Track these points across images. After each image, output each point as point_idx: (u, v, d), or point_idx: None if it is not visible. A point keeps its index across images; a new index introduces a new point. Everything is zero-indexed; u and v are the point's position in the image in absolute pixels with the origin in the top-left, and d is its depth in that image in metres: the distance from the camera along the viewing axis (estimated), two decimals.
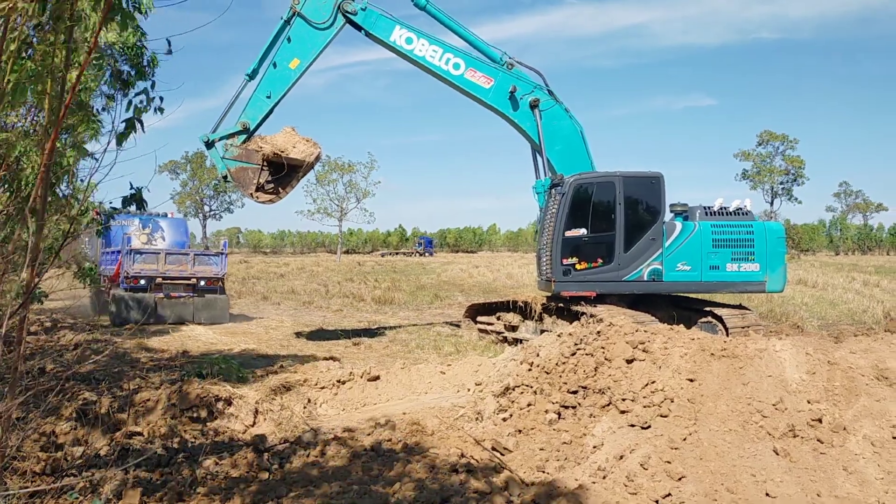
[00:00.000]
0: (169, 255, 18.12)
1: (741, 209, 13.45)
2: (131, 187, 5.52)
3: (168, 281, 17.94)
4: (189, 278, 18.18)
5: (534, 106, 13.73)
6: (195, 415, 7.05)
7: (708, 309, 13.32)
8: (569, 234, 12.93)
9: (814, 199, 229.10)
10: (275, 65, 13.54)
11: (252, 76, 13.63)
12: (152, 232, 20.29)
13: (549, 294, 13.90)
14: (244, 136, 13.54)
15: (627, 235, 12.89)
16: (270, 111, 13.74)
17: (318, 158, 13.75)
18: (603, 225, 12.98)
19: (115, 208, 6.52)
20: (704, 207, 13.45)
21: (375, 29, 13.73)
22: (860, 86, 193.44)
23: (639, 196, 13.10)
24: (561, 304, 13.50)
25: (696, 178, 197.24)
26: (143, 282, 17.62)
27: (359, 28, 13.78)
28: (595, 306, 12.57)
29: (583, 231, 12.95)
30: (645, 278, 12.91)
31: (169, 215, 22.49)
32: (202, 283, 18.31)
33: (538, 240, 14.41)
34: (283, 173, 13.59)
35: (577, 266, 12.92)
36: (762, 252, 13.02)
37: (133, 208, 5.48)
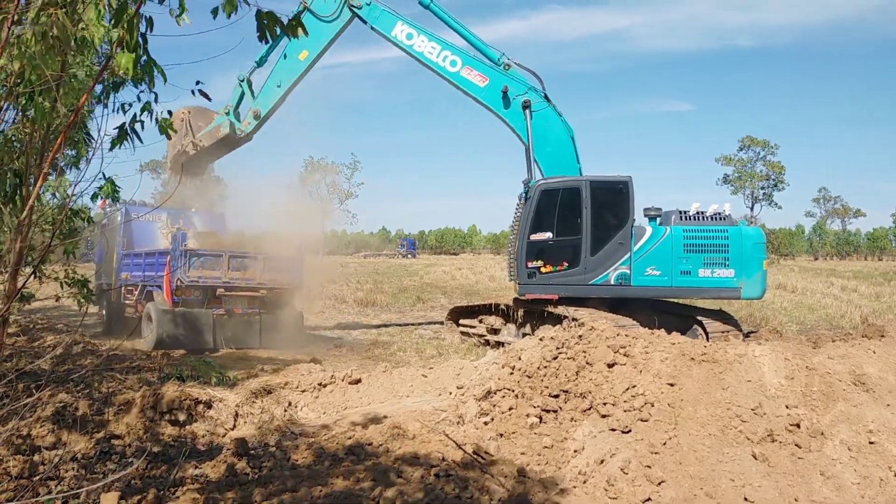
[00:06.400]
0: (233, 259, 13.95)
1: (719, 214, 13.18)
2: (104, 177, 5.47)
3: (231, 292, 13.87)
4: (257, 289, 14.11)
5: (525, 106, 13.96)
6: (174, 417, 6.99)
7: (688, 314, 13.34)
8: (534, 237, 13.02)
9: (793, 204, 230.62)
10: (285, 56, 14.82)
11: (260, 63, 15.04)
12: None
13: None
14: (255, 122, 14.99)
15: (594, 239, 12.89)
16: (282, 99, 15.07)
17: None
18: (569, 229, 13.03)
19: (92, 198, 6.40)
20: (680, 211, 13.31)
21: (378, 23, 14.58)
22: (838, 93, 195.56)
23: (606, 200, 13.08)
24: (548, 308, 13.48)
25: (677, 180, 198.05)
26: (198, 293, 13.60)
27: (364, 21, 14.61)
28: (556, 307, 12.67)
29: (548, 234, 13.03)
30: (612, 282, 12.88)
31: (193, 209, 18.59)
32: (269, 294, 14.38)
33: (509, 243, 14.58)
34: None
35: (542, 269, 12.98)
36: (737, 257, 12.76)
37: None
